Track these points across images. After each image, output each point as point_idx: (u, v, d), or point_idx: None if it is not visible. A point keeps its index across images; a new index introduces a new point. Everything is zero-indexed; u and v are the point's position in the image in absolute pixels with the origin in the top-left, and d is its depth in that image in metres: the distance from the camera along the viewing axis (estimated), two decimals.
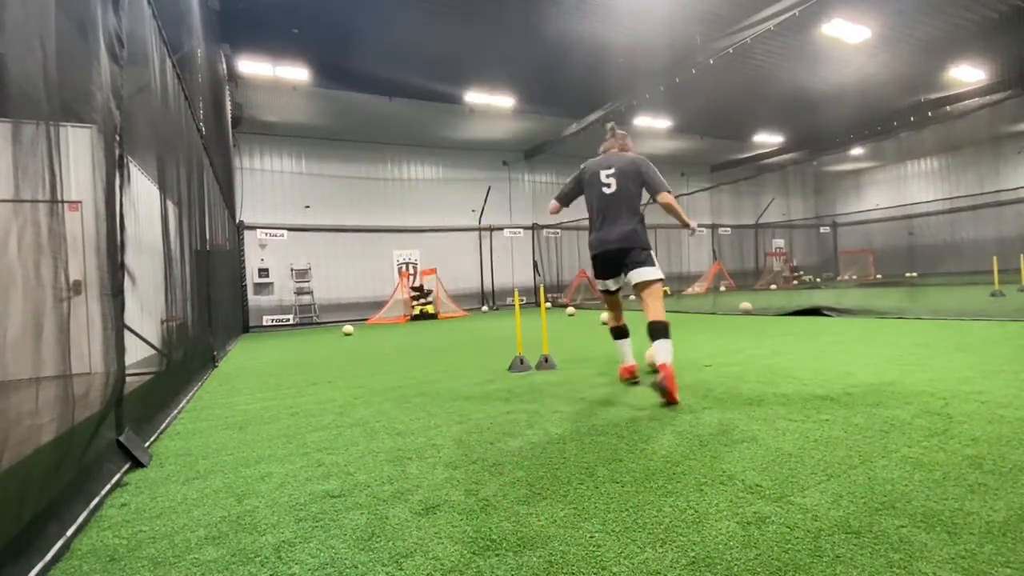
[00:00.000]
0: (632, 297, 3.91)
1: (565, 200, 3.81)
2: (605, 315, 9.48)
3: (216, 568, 1.47)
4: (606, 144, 3.76)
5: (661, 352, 3.10)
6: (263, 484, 2.12)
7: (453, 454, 2.36)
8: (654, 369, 3.37)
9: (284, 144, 14.69)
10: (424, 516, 1.73)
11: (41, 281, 1.68)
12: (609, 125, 3.87)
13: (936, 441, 2.15)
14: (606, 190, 3.47)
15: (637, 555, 1.41)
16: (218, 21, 8.85)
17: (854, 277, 20.82)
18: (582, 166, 3.69)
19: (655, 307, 3.29)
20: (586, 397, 3.37)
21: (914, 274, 19.00)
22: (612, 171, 3.49)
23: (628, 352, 3.82)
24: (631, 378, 3.75)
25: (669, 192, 3.45)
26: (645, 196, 3.53)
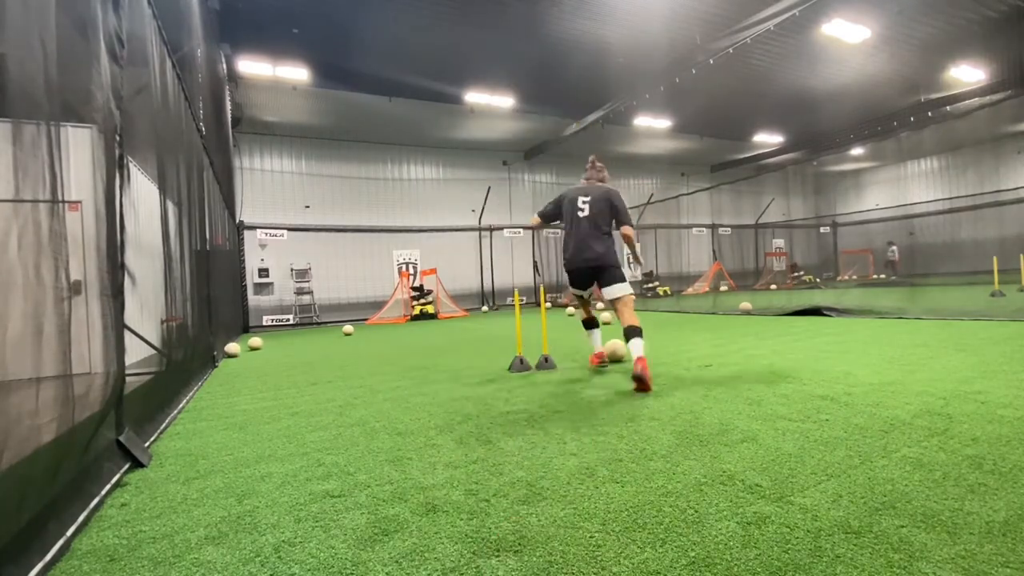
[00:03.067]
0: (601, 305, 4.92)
1: (546, 219, 4.48)
2: (606, 315, 9.50)
3: (216, 568, 1.47)
4: (587, 174, 4.39)
5: (636, 347, 3.59)
6: (263, 484, 2.12)
7: (453, 454, 2.36)
8: (614, 360, 4.60)
9: (284, 144, 14.69)
10: (424, 516, 1.73)
11: (41, 281, 1.68)
12: (591, 158, 4.46)
13: (936, 441, 2.15)
14: (580, 214, 4.12)
15: (637, 555, 1.41)
16: (218, 21, 8.85)
17: (854, 277, 20.80)
18: (563, 192, 4.38)
19: (629, 315, 3.89)
20: (586, 397, 3.37)
21: (894, 247, 19.34)
22: (588, 199, 4.14)
23: (598, 341, 4.57)
24: (600, 364, 4.49)
25: (631, 226, 4.17)
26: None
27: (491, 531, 1.60)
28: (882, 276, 20.02)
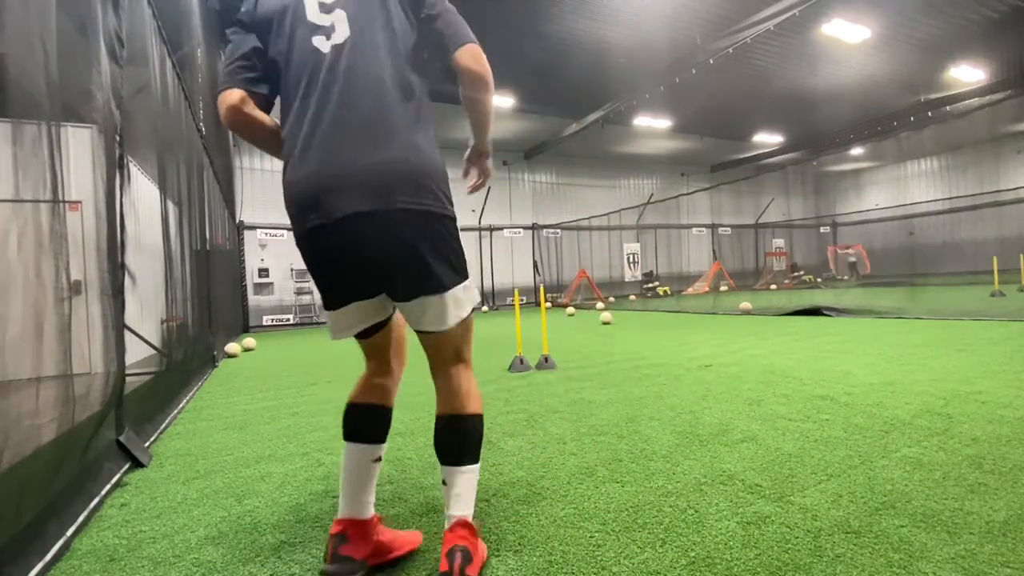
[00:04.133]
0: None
1: (237, 78, 1.73)
2: (606, 315, 9.50)
3: (216, 568, 1.47)
4: None
5: (460, 495, 1.44)
6: (263, 484, 2.12)
7: None
8: None
9: None
10: (424, 516, 1.73)
11: (42, 281, 1.68)
12: None
13: (936, 441, 2.15)
14: (324, 41, 1.45)
15: (637, 555, 1.41)
16: (218, 21, 8.85)
17: (846, 278, 20.83)
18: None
19: (454, 377, 1.53)
20: (586, 397, 3.37)
21: (850, 254, 19.34)
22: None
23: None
24: None
25: (472, 45, 1.59)
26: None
27: (491, 531, 1.60)
28: (844, 277, 20.19)
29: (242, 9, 1.39)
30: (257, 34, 1.35)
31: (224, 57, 1.36)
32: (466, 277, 1.34)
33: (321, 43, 1.29)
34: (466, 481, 1.32)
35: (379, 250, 1.24)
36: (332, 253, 1.28)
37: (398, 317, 1.51)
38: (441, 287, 1.28)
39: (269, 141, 1.40)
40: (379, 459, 1.45)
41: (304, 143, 1.26)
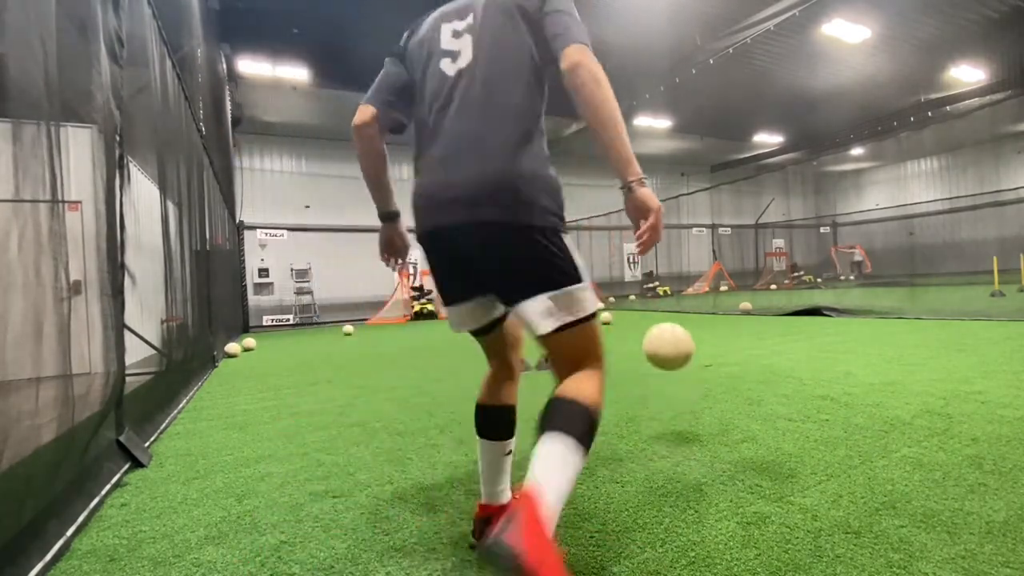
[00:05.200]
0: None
1: (383, 108, 1.99)
2: (606, 315, 9.50)
3: (216, 568, 1.47)
4: None
5: (548, 466, 1.88)
6: (263, 484, 2.12)
7: (453, 454, 2.36)
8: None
9: (284, 144, 14.69)
10: (424, 516, 1.73)
11: (41, 281, 1.68)
12: None
13: (936, 441, 2.15)
14: (451, 64, 1.99)
15: (637, 555, 1.41)
16: (218, 21, 8.85)
17: (852, 277, 20.85)
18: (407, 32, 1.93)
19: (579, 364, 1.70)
20: None
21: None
22: (469, 22, 2.10)
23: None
24: None
25: (585, 48, 1.92)
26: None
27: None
28: (851, 276, 20.25)
29: (400, 43, 1.56)
30: (406, 64, 1.51)
31: (377, 79, 1.55)
32: (567, 285, 1.28)
33: (448, 66, 1.40)
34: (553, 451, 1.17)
35: (482, 257, 1.32)
36: (442, 255, 1.41)
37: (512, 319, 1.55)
38: (546, 290, 1.28)
39: (374, 161, 1.54)
40: (510, 452, 1.58)
41: (427, 158, 1.39)
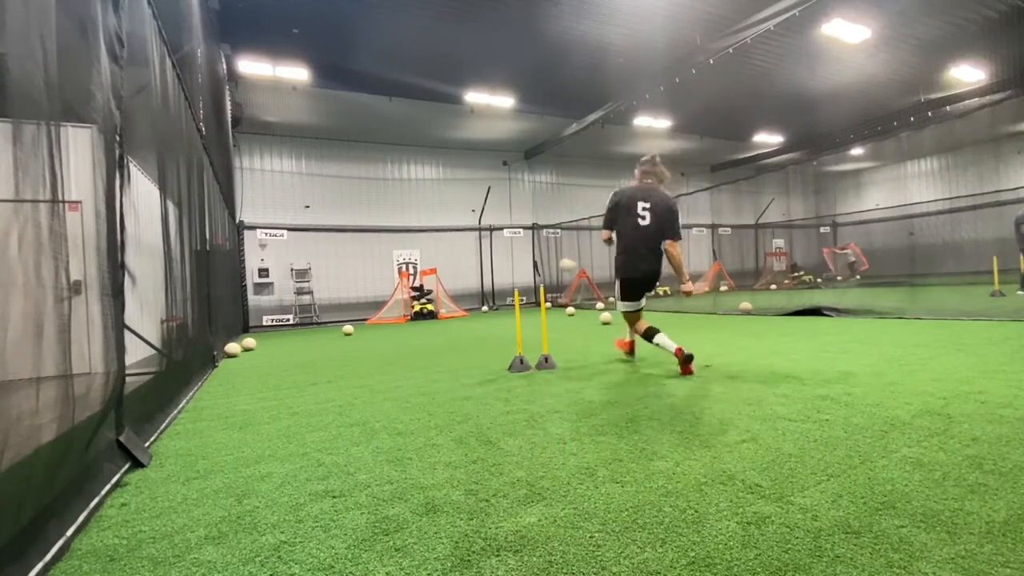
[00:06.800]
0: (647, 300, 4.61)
1: (611, 226, 4.32)
2: (606, 315, 9.50)
3: (216, 568, 1.47)
4: (643, 168, 4.27)
5: (671, 342, 4.05)
6: (263, 484, 2.12)
7: (453, 454, 2.36)
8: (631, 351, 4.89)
9: (284, 144, 14.67)
10: (424, 516, 1.73)
11: (41, 281, 1.68)
12: (653, 156, 4.28)
13: (936, 441, 2.15)
14: (641, 222, 4.15)
15: (637, 555, 1.41)
16: (218, 21, 8.85)
17: (850, 278, 20.84)
18: (616, 193, 4.30)
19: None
20: (586, 397, 3.37)
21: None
22: (649, 206, 4.16)
23: (669, 342, 4.04)
24: (682, 358, 3.92)
25: (679, 241, 4.16)
26: None
27: (491, 531, 1.60)
28: (848, 277, 20.25)
29: (616, 199, 4.25)
30: (619, 210, 4.24)
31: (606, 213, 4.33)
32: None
33: (638, 221, 4.15)
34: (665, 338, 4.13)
35: (645, 282, 4.28)
36: (636, 281, 4.26)
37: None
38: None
39: (610, 241, 4.35)
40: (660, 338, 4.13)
41: (627, 254, 4.21)
